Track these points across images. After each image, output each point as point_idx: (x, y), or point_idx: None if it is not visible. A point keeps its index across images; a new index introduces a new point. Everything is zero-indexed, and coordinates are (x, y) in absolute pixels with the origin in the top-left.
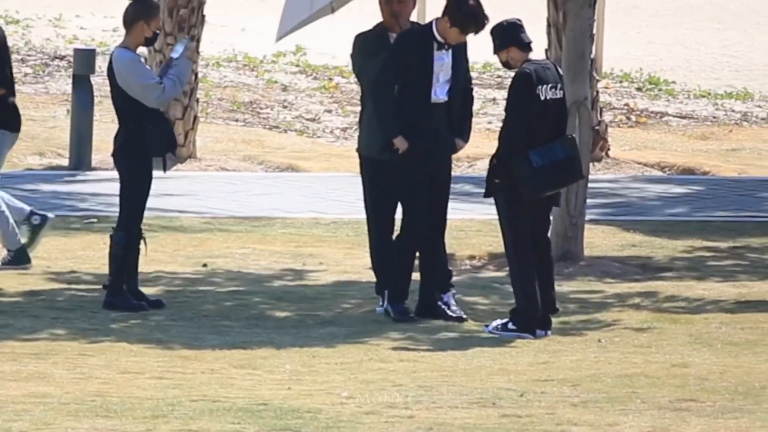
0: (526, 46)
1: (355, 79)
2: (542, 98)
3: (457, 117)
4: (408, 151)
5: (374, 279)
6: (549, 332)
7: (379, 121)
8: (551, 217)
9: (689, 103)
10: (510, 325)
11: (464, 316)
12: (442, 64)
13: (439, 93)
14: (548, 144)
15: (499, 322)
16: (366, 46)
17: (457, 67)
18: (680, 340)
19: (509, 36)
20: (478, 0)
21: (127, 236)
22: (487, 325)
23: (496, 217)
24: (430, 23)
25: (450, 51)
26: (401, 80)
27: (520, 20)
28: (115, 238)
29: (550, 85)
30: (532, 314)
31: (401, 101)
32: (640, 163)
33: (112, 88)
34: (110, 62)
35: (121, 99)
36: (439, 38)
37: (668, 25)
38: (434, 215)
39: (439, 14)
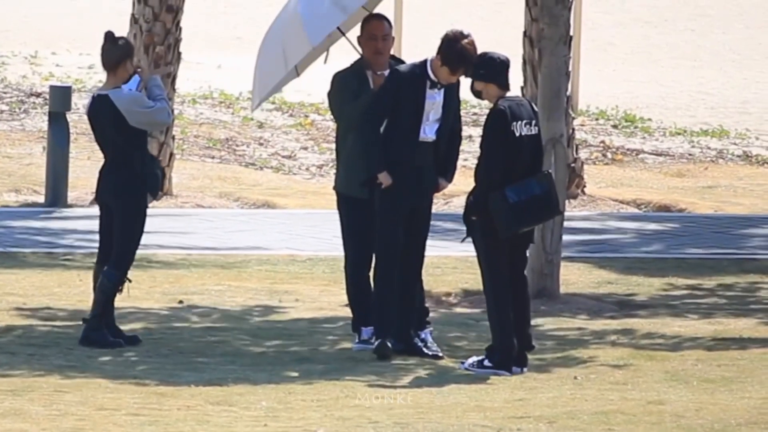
0: (506, 87)
1: (332, 117)
2: (517, 134)
3: (443, 156)
4: (390, 186)
5: (350, 316)
6: (525, 369)
7: (366, 156)
8: (527, 254)
9: (665, 141)
10: (486, 362)
11: (440, 354)
12: (434, 102)
13: (428, 131)
14: (524, 180)
15: (475, 359)
16: (344, 85)
17: (447, 106)
18: (656, 377)
19: (495, 72)
20: (471, 40)
21: (120, 276)
22: (463, 362)
23: (473, 254)
24: (425, 61)
25: (442, 90)
26: (390, 116)
27: (508, 60)
28: (108, 276)
29: (524, 122)
30: (508, 351)
31: (389, 137)
32: (616, 200)
33: (106, 130)
34: (102, 106)
35: (121, 139)
36: (432, 77)
37: (644, 62)
38: (412, 252)
39: (416, 49)
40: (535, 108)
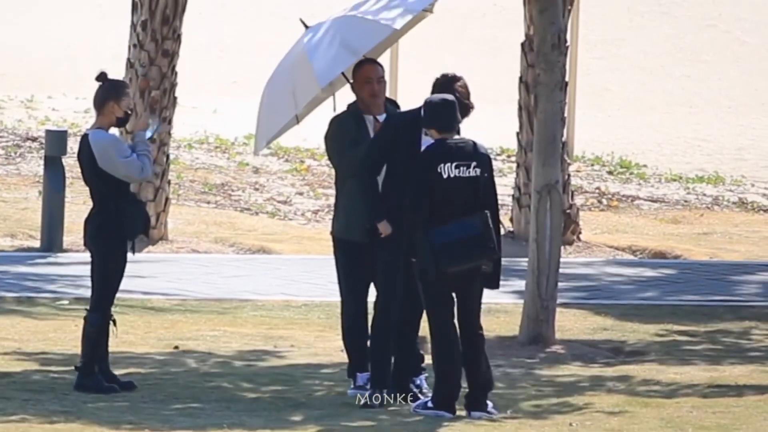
0: (446, 129)
1: (327, 161)
2: (444, 176)
3: None
4: (390, 235)
5: (346, 361)
6: (482, 414)
7: (366, 205)
8: (482, 296)
9: (661, 187)
10: (428, 403)
11: None
12: None
13: None
14: (452, 222)
15: (422, 400)
16: (342, 131)
17: None
18: (652, 425)
19: (431, 116)
20: (464, 83)
21: (101, 318)
22: (413, 402)
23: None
24: (420, 107)
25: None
26: (388, 163)
27: (447, 101)
28: (89, 320)
29: (455, 164)
30: (448, 392)
31: (387, 184)
32: (611, 246)
33: (85, 171)
34: (83, 145)
35: (99, 181)
36: None
37: (640, 108)
38: (410, 299)
39: (412, 95)
40: (482, 150)
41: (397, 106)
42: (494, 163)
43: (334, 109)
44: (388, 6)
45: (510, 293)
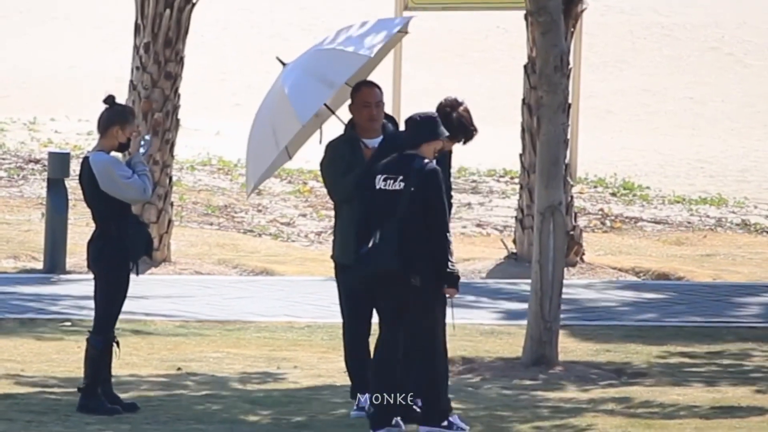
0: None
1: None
2: (376, 187)
3: None
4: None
5: (349, 382)
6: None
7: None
8: (448, 318)
9: (664, 209)
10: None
11: None
12: None
13: None
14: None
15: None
16: (337, 155)
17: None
18: None
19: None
20: (466, 108)
21: (104, 340)
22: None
23: (470, 321)
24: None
25: (434, 159)
26: None
27: (418, 117)
28: (92, 342)
29: (385, 176)
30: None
31: None
32: (614, 268)
33: (87, 193)
34: (84, 168)
35: (100, 203)
36: None
37: (643, 130)
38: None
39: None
40: (414, 165)
41: (395, 123)
42: (497, 184)
43: (320, 142)
44: (362, 34)
45: (513, 314)
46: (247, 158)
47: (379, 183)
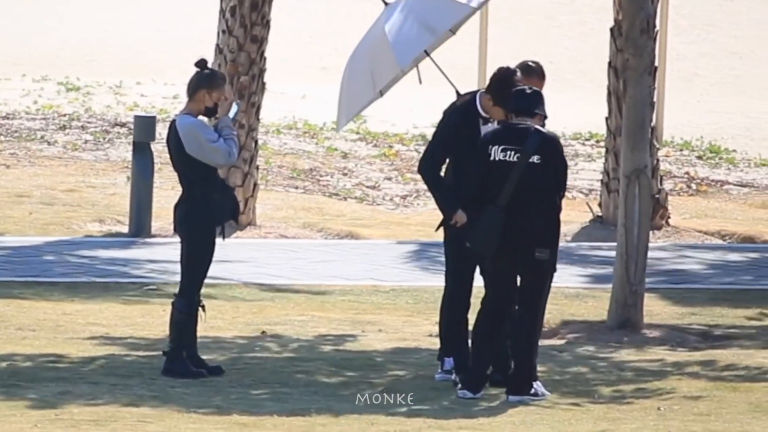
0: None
1: (416, 146)
2: (491, 158)
3: None
4: (465, 224)
5: (433, 346)
6: (477, 394)
7: (436, 201)
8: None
9: (750, 172)
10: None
11: None
12: None
13: None
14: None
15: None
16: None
17: None
18: (740, 409)
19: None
20: (520, 77)
21: (188, 304)
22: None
23: (555, 284)
24: (474, 98)
25: (495, 121)
26: (451, 157)
27: (525, 91)
28: (177, 305)
29: (502, 147)
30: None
31: (455, 177)
32: (700, 231)
33: (174, 157)
34: (171, 130)
35: (186, 167)
36: (482, 113)
37: (729, 93)
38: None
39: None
40: (536, 136)
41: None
42: (583, 148)
43: (420, 82)
44: None
45: (598, 278)
46: (341, 95)
47: (497, 154)
